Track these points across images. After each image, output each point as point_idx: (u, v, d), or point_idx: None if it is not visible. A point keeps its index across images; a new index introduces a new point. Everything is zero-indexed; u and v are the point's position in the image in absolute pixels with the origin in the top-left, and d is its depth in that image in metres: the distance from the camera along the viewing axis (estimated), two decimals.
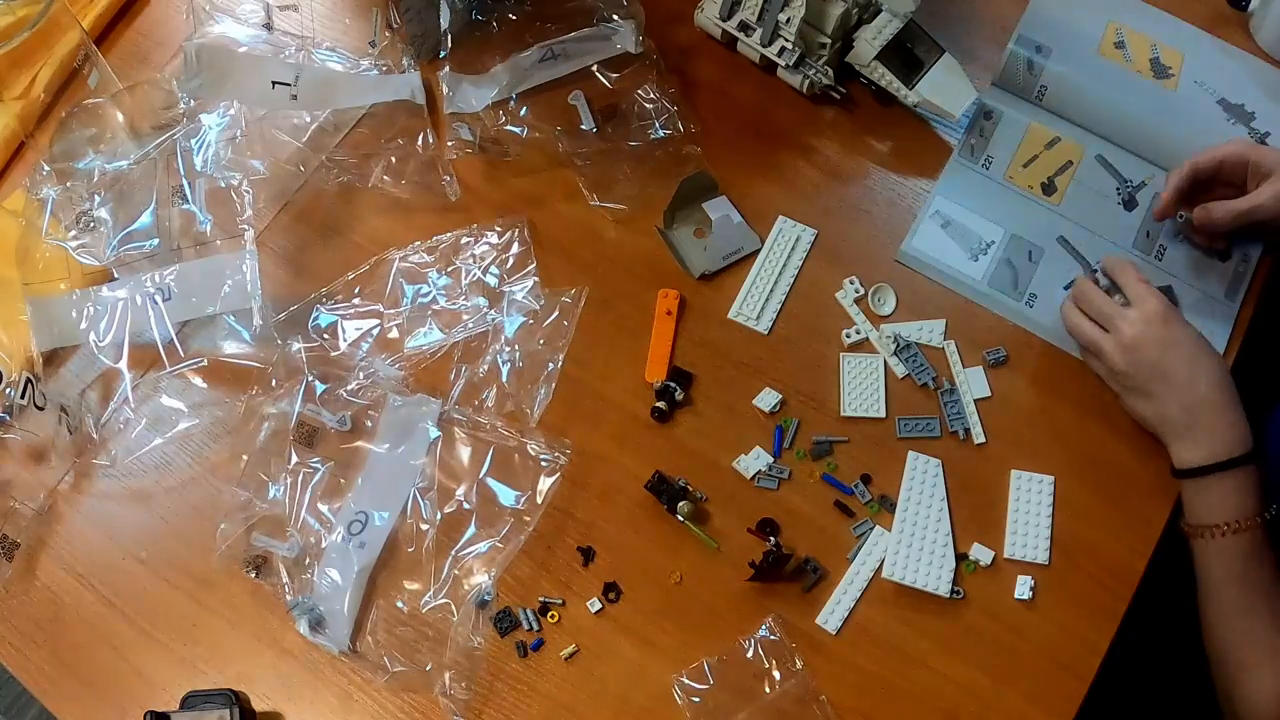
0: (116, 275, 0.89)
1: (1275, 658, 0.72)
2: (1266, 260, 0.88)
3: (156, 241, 0.89)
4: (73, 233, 0.90)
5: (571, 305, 0.89)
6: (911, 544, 0.79)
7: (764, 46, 0.96)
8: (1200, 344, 0.77)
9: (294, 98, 0.93)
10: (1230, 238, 0.87)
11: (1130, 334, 0.78)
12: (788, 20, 0.93)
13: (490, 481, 0.82)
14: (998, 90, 0.96)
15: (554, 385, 0.86)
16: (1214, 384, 0.75)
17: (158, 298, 0.85)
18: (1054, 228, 0.90)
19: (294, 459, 0.83)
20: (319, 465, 0.83)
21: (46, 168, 0.92)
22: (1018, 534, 0.80)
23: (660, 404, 0.84)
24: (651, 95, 0.95)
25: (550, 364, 0.87)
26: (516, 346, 0.88)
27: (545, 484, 0.81)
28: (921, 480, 0.82)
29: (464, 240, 0.92)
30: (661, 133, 0.94)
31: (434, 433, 0.84)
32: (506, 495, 0.82)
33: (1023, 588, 0.78)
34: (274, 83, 0.92)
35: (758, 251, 0.91)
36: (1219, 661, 0.75)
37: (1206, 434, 0.75)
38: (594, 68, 0.97)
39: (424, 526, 0.81)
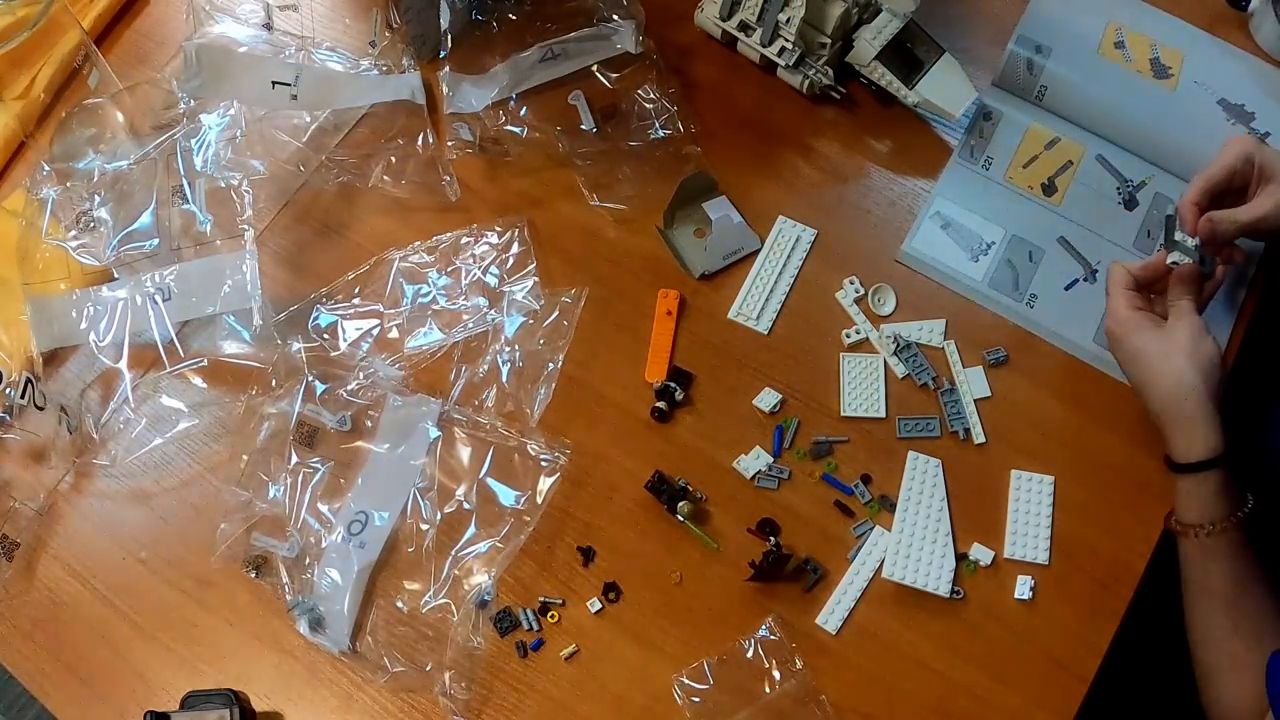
0: (116, 275, 0.89)
1: (1235, 667, 0.72)
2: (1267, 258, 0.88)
3: (156, 241, 0.89)
4: (73, 233, 0.90)
5: (571, 305, 0.89)
6: (911, 544, 0.79)
7: (764, 46, 0.96)
8: (1159, 357, 0.75)
9: (294, 98, 0.93)
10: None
11: (1107, 326, 0.80)
12: (788, 20, 0.93)
13: (490, 481, 0.82)
14: (998, 90, 0.96)
15: (554, 385, 0.86)
16: (1171, 396, 0.74)
17: (158, 298, 0.85)
18: (1054, 228, 0.90)
19: (294, 459, 0.83)
20: (319, 465, 0.83)
21: (46, 168, 0.92)
22: (1018, 534, 0.80)
23: (660, 404, 0.84)
24: (651, 95, 0.95)
25: (550, 364, 0.87)
26: (516, 346, 0.88)
27: (545, 484, 0.81)
28: (921, 480, 0.82)
29: (464, 240, 0.92)
30: (661, 133, 0.94)
31: (434, 433, 0.84)
32: (506, 495, 0.82)
33: (1023, 588, 0.78)
34: (274, 83, 0.92)
35: (758, 251, 0.91)
36: (1193, 660, 0.75)
37: (1170, 438, 0.76)
38: (594, 68, 0.97)
39: (424, 526, 0.81)
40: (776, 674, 0.76)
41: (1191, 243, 0.78)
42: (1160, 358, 0.76)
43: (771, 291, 0.89)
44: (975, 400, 0.85)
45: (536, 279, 0.90)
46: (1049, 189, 0.92)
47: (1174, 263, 0.78)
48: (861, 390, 0.85)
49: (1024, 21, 0.96)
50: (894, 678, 0.76)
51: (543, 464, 0.82)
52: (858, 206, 0.93)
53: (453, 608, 0.78)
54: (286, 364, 0.86)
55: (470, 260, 0.91)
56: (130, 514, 0.84)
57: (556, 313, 0.89)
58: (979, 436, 0.83)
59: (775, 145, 0.96)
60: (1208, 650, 0.74)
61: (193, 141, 0.92)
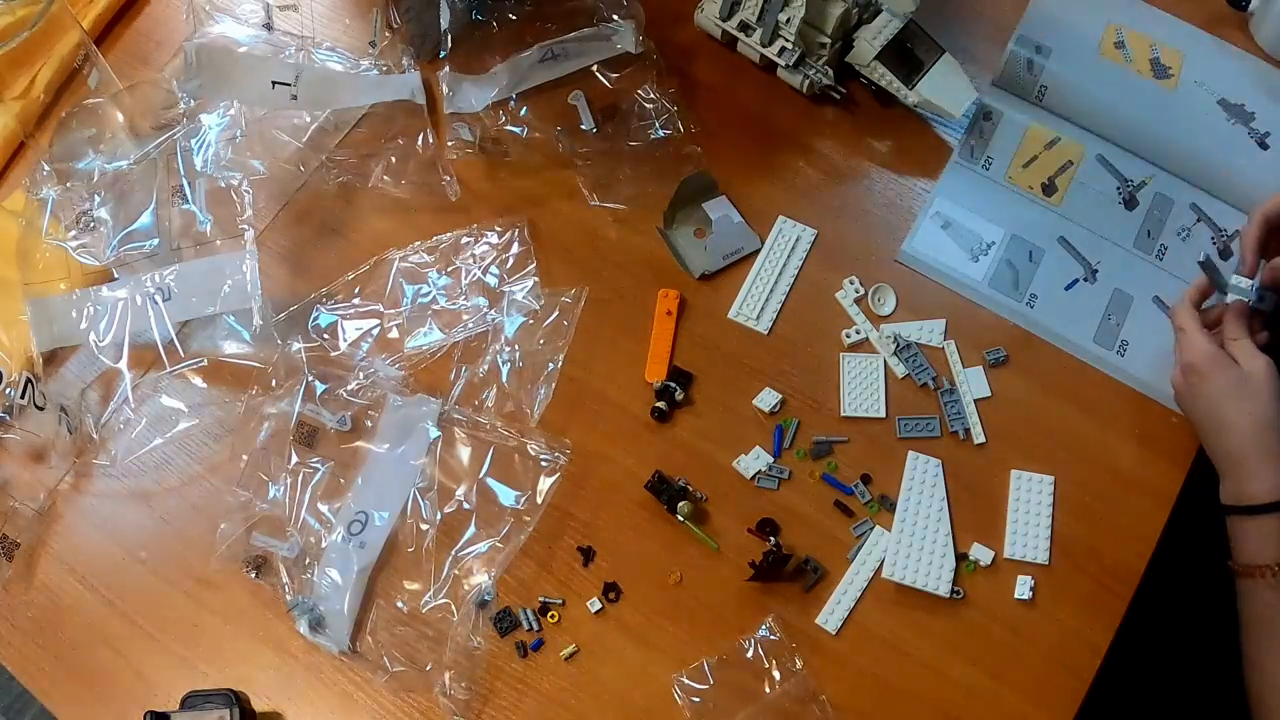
0: (116, 275, 0.89)
1: None
2: None
3: (156, 241, 0.89)
4: (73, 233, 0.90)
5: (571, 305, 0.89)
6: (911, 544, 0.79)
7: (764, 46, 0.96)
8: (1242, 393, 0.75)
9: (294, 98, 0.93)
10: None
11: (1180, 365, 0.79)
12: (788, 20, 0.93)
13: (490, 481, 0.82)
14: (998, 90, 0.96)
15: (554, 385, 0.86)
16: (1256, 434, 0.74)
17: (158, 298, 0.85)
18: (1054, 228, 0.90)
19: (294, 459, 0.83)
20: (319, 465, 0.83)
21: (46, 168, 0.92)
22: (1018, 534, 0.80)
23: (660, 404, 0.84)
24: (651, 95, 0.95)
25: (550, 364, 0.87)
26: (516, 346, 0.88)
27: (545, 484, 0.81)
28: (921, 480, 0.82)
29: (464, 240, 0.92)
30: (661, 133, 0.94)
31: (434, 433, 0.84)
32: (506, 495, 0.82)
33: (1023, 588, 0.78)
34: (274, 83, 0.92)
35: (758, 251, 0.91)
36: (1249, 699, 0.75)
37: (1249, 477, 0.74)
38: (594, 68, 0.97)
39: (424, 526, 0.81)
40: (776, 674, 0.76)
41: (1247, 283, 0.78)
42: (1244, 396, 0.75)
43: (771, 291, 0.89)
44: (975, 400, 0.85)
45: (536, 279, 0.90)
46: (1049, 189, 0.92)
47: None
48: (861, 390, 0.85)
49: (1024, 21, 0.96)
50: (894, 678, 0.76)
51: (543, 464, 0.82)
52: (858, 206, 0.93)
53: (453, 608, 0.78)
54: (286, 364, 0.86)
55: (470, 260, 0.91)
56: (130, 514, 0.84)
57: (556, 313, 0.89)
58: (979, 436, 0.83)
59: (775, 145, 0.96)
60: (1264, 690, 0.73)
61: (193, 141, 0.92)
